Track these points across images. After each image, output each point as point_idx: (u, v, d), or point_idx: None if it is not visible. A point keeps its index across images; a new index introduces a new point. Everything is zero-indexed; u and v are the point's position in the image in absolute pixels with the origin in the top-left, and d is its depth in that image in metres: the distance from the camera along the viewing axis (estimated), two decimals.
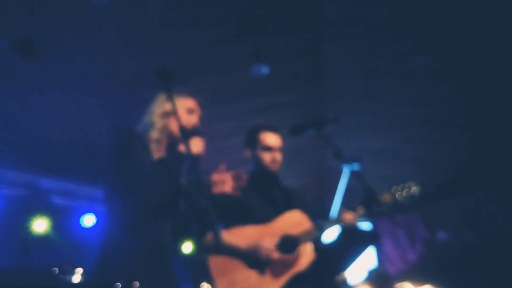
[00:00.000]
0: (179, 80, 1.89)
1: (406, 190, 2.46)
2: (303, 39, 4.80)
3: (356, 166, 2.39)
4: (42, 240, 6.08)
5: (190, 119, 1.98)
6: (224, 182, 1.90)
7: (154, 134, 1.93)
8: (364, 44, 4.80)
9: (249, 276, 2.17)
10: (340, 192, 7.55)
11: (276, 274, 2.18)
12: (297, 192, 2.63)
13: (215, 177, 1.91)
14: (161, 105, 2.02)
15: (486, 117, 5.60)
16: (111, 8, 3.87)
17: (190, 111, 2.03)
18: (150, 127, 1.94)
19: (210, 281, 2.14)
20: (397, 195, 2.43)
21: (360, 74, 5.30)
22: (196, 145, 1.86)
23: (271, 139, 2.54)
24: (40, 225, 6.10)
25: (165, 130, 1.97)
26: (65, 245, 6.18)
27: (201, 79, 5.00)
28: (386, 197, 2.42)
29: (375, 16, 4.39)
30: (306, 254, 2.27)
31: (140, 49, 4.41)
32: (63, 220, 6.37)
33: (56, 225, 6.24)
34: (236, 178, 1.92)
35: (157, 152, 1.91)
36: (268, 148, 2.52)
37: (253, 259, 2.18)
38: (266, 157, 2.51)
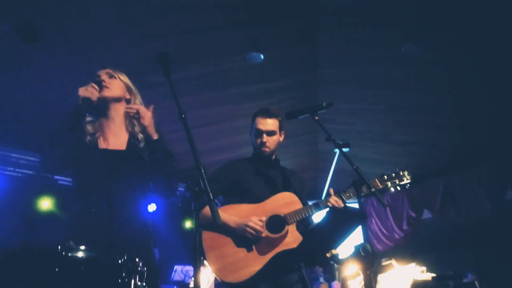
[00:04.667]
0: (178, 66, 1.95)
1: (398, 177, 2.49)
2: (298, 26, 4.85)
3: (347, 149, 2.44)
4: (46, 218, 6.20)
5: (83, 88, 2.07)
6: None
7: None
8: (358, 32, 4.87)
9: (237, 251, 2.34)
10: (331, 173, 7.70)
11: (262, 252, 2.33)
12: (295, 174, 2.75)
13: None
14: None
15: (473, 102, 5.75)
16: None
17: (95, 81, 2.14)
18: None
19: (203, 255, 2.27)
20: (390, 183, 2.48)
21: (353, 61, 5.39)
22: (81, 90, 2.02)
23: (260, 124, 2.64)
24: (44, 204, 6.21)
25: None
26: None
27: (199, 64, 5.06)
28: (377, 183, 2.47)
29: (368, 4, 4.43)
30: (292, 234, 2.39)
31: (141, 35, 4.47)
32: (68, 199, 6.44)
33: (61, 204, 6.36)
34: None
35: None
36: (257, 133, 2.64)
37: (242, 236, 2.35)
38: (256, 141, 2.64)
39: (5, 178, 6.10)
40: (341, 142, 2.30)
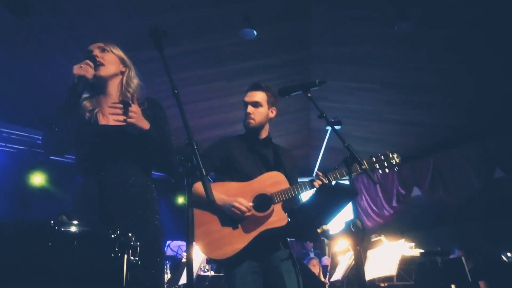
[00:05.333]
0: (171, 41, 1.92)
1: (387, 160, 2.48)
2: (291, 2, 4.79)
3: (339, 127, 2.44)
4: (39, 193, 6.23)
5: (77, 65, 2.00)
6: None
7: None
8: (351, 10, 4.82)
9: (222, 229, 2.37)
10: (323, 151, 7.75)
11: (247, 230, 2.35)
12: (288, 153, 2.74)
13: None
14: None
15: (464, 81, 5.76)
16: None
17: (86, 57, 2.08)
18: None
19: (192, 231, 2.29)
20: (378, 165, 2.47)
21: (345, 39, 5.36)
22: (76, 68, 1.94)
23: (246, 96, 2.64)
24: (36, 179, 6.23)
25: None
26: (62, 197, 6.34)
27: (191, 40, 5.00)
28: (367, 164, 2.44)
29: None
30: (278, 213, 2.38)
31: (133, 10, 4.38)
32: (60, 174, 6.48)
33: (53, 179, 6.36)
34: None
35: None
36: (244, 105, 2.64)
37: (228, 214, 2.36)
38: (243, 114, 2.63)
39: None
40: (333, 120, 2.30)
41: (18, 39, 4.56)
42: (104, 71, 2.06)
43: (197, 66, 5.52)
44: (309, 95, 2.31)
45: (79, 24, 4.46)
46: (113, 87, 2.13)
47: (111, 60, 2.10)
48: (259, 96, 2.61)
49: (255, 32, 4.86)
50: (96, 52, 2.08)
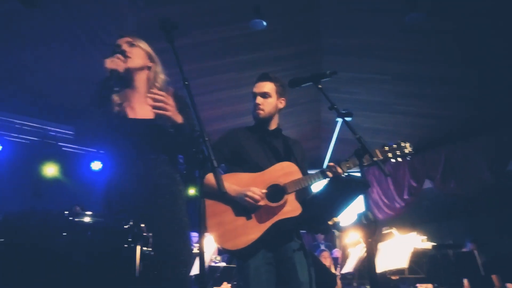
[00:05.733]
0: (180, 33, 1.91)
1: (400, 149, 2.44)
2: None
3: (349, 119, 2.41)
4: (52, 184, 6.33)
5: (109, 59, 2.07)
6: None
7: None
8: (360, 0, 4.76)
9: (236, 219, 2.36)
10: (334, 143, 7.71)
11: (261, 220, 2.34)
12: (298, 144, 2.72)
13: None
14: None
15: (476, 72, 5.68)
16: None
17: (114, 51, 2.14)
18: None
19: (204, 221, 2.29)
20: (391, 154, 2.43)
21: (355, 30, 5.30)
22: (108, 62, 2.02)
23: (255, 87, 2.63)
24: (49, 170, 6.32)
25: None
26: (75, 188, 6.45)
27: (201, 32, 4.98)
28: (378, 154, 2.42)
29: None
30: (291, 203, 2.39)
31: (143, 1, 4.36)
32: (72, 165, 6.58)
33: (65, 170, 6.46)
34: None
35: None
36: (253, 96, 2.63)
37: (241, 204, 2.36)
38: (252, 105, 2.62)
39: (10, 144, 6.16)
40: (344, 111, 2.28)
41: (28, 30, 4.60)
42: (131, 63, 2.10)
43: (206, 57, 5.51)
44: (319, 86, 2.28)
45: (89, 15, 4.48)
46: (141, 82, 2.17)
47: (139, 55, 2.15)
48: (268, 86, 2.59)
49: (264, 23, 4.82)
50: (125, 46, 2.13)
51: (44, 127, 6.45)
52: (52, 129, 6.49)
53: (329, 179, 2.33)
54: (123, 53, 2.09)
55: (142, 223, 1.64)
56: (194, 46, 5.15)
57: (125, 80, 2.14)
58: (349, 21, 5.17)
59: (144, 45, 2.19)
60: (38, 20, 4.44)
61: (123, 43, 2.14)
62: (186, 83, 1.83)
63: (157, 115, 1.98)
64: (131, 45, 2.15)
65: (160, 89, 2.07)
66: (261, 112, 2.57)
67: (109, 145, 2.10)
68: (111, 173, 2.06)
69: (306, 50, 5.89)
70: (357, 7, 4.90)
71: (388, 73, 6.02)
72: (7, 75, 5.33)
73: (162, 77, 2.21)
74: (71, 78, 5.49)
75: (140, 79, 2.17)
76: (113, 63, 2.02)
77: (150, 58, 2.19)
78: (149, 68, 2.19)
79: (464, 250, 5.60)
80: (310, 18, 5.23)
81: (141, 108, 2.12)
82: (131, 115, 2.10)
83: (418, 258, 4.57)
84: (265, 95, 2.57)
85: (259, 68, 5.61)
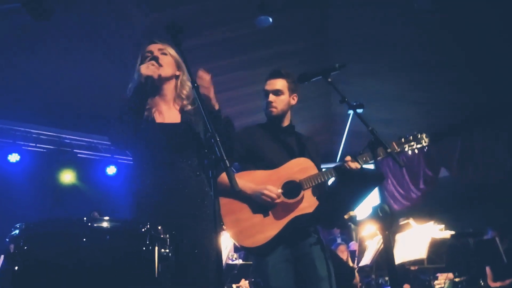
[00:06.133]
0: (186, 34, 1.93)
1: (416, 140, 2.44)
2: None
3: (361, 111, 2.38)
4: (70, 190, 6.45)
5: (144, 65, 2.09)
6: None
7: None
8: None
9: (253, 216, 2.38)
10: (346, 136, 7.67)
11: (278, 217, 2.36)
12: (311, 140, 2.73)
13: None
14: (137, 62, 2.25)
15: (490, 58, 5.56)
16: None
17: (146, 57, 2.18)
18: (133, 83, 2.19)
19: (220, 219, 2.31)
20: (407, 146, 2.44)
21: (363, 20, 5.24)
22: (143, 69, 2.02)
23: (267, 84, 2.62)
24: (66, 177, 6.45)
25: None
26: (91, 193, 6.55)
27: (207, 32, 5.00)
28: (394, 146, 2.43)
29: None
30: (308, 199, 2.40)
31: (150, 4, 4.39)
32: (88, 171, 6.69)
33: (82, 176, 6.58)
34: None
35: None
36: (265, 94, 2.62)
37: (258, 202, 2.37)
38: (264, 103, 2.62)
39: (28, 154, 6.29)
40: (355, 104, 2.26)
41: (41, 42, 4.67)
42: (164, 73, 2.13)
43: (214, 57, 5.53)
44: (329, 80, 2.28)
45: (99, 25, 4.53)
46: (168, 90, 2.20)
47: (170, 64, 2.17)
48: (280, 83, 2.58)
49: (270, 19, 4.81)
50: (157, 53, 2.15)
51: (59, 135, 6.57)
52: (67, 136, 6.61)
53: (343, 174, 2.32)
54: (156, 60, 2.10)
55: (176, 230, 1.79)
56: (201, 47, 5.17)
57: (155, 87, 2.16)
58: (356, 12, 5.12)
59: (173, 52, 2.22)
60: (50, 32, 4.52)
61: (155, 49, 2.16)
62: (196, 85, 1.88)
63: (182, 118, 2.10)
64: (163, 53, 2.17)
65: (188, 96, 2.17)
66: (274, 110, 2.56)
67: (136, 150, 2.13)
68: (137, 178, 2.09)
69: (314, 43, 5.86)
70: None
71: (399, 62, 5.94)
72: (22, 87, 5.44)
73: (189, 84, 2.23)
74: (82, 87, 5.58)
75: (168, 88, 2.20)
76: (149, 70, 2.03)
77: (178, 66, 2.22)
78: (177, 77, 2.21)
79: (485, 237, 5.51)
80: (316, 11, 5.19)
81: (168, 113, 2.17)
82: (159, 119, 2.14)
83: (437, 247, 4.52)
84: (277, 92, 2.56)
85: (267, 65, 5.60)
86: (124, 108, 2.03)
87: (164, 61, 2.14)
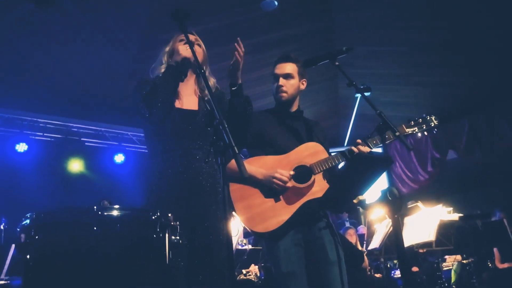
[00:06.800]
0: (193, 20, 1.92)
1: (425, 122, 2.43)
2: None
3: (368, 94, 2.36)
4: (78, 178, 6.51)
5: (183, 47, 2.23)
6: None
7: (162, 69, 2.29)
8: None
9: (264, 201, 2.37)
10: (353, 119, 7.62)
11: (290, 201, 2.35)
12: (318, 125, 2.70)
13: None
14: (167, 46, 2.37)
15: (495, 38, 5.45)
16: None
17: (181, 40, 2.29)
18: (160, 64, 2.33)
19: (232, 206, 2.32)
20: (417, 128, 2.42)
21: (368, 2, 5.14)
22: (183, 50, 2.19)
23: (277, 68, 2.58)
24: (74, 166, 6.50)
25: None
26: (100, 181, 6.61)
27: (213, 17, 4.94)
28: (404, 129, 2.41)
29: None
30: (319, 183, 2.39)
31: None
32: (96, 159, 6.73)
33: (90, 164, 6.63)
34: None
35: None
36: (274, 78, 2.59)
37: (269, 187, 2.37)
38: (274, 87, 2.59)
39: (36, 143, 6.33)
40: (362, 87, 2.23)
41: (44, 30, 4.65)
42: (199, 56, 2.21)
43: (219, 42, 5.46)
44: (336, 63, 2.25)
45: (102, 11, 4.48)
46: (191, 76, 2.31)
47: (201, 53, 2.31)
48: (290, 67, 2.54)
49: (276, 3, 4.74)
50: (193, 39, 2.27)
51: (67, 124, 6.59)
52: (75, 125, 6.63)
53: (353, 157, 2.31)
54: (193, 44, 2.17)
55: (189, 215, 1.89)
56: (207, 32, 5.12)
57: (183, 71, 2.24)
58: None
59: (203, 46, 2.36)
60: (53, 19, 4.50)
61: (192, 38, 2.26)
62: (202, 71, 1.91)
63: (199, 106, 2.22)
64: (197, 44, 2.32)
65: (213, 86, 2.30)
66: (284, 94, 2.53)
67: (153, 133, 2.19)
68: (150, 162, 2.15)
69: (319, 26, 5.78)
70: None
71: (405, 43, 5.85)
72: (28, 76, 5.44)
73: (212, 79, 2.36)
74: (88, 75, 5.57)
75: (192, 74, 2.31)
76: (187, 51, 2.14)
77: (204, 58, 2.34)
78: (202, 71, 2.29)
79: (493, 219, 5.50)
80: None
81: (187, 99, 2.24)
82: (177, 104, 2.20)
83: (445, 230, 4.53)
84: (287, 76, 2.53)
85: (273, 49, 5.56)
86: (158, 85, 2.12)
87: (197, 50, 2.25)
